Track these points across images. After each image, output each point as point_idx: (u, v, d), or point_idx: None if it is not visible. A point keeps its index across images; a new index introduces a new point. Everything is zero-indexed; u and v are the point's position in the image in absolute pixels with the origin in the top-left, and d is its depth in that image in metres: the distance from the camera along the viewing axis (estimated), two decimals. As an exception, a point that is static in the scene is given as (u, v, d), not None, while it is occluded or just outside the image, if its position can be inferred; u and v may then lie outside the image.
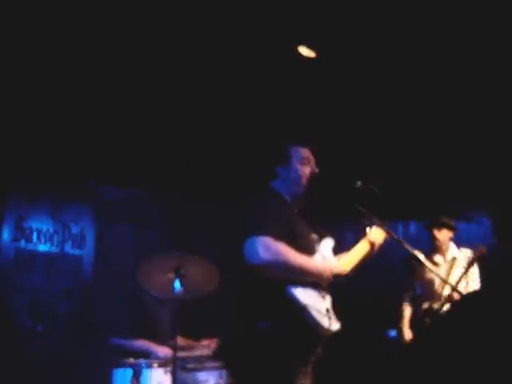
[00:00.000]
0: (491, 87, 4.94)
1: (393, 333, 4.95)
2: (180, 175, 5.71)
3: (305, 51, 4.52)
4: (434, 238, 4.81)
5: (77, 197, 5.56)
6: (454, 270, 4.59)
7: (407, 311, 4.81)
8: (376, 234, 3.43)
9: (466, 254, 4.70)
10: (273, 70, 4.77)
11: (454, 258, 4.71)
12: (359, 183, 3.15)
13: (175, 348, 3.74)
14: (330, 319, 2.85)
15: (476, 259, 4.47)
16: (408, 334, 4.68)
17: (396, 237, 3.11)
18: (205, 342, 4.38)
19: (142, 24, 4.23)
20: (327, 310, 2.87)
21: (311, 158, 3.17)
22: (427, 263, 3.13)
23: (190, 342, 4.38)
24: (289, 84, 4.95)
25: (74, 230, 5.48)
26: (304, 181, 3.10)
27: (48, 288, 5.21)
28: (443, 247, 4.79)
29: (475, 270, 4.66)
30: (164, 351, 4.09)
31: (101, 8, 4.02)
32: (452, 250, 4.82)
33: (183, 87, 4.94)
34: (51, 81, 4.68)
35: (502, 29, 4.17)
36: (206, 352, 4.24)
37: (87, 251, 5.55)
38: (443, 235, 4.79)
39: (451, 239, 4.84)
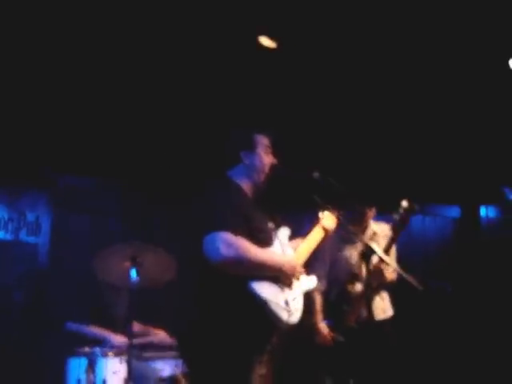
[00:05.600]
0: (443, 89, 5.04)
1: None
2: (140, 163, 5.66)
3: (265, 41, 4.54)
4: (362, 216, 4.54)
5: (34, 184, 5.48)
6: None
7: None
8: (328, 219, 3.46)
9: (382, 228, 4.57)
10: (233, 60, 4.77)
11: (374, 233, 4.57)
12: (316, 174, 3.17)
13: (131, 336, 3.74)
14: (288, 312, 2.86)
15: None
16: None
17: (349, 227, 3.14)
18: (159, 332, 4.39)
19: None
20: (286, 303, 2.87)
21: (270, 147, 3.17)
22: (381, 253, 3.14)
23: (145, 328, 4.38)
24: (247, 73, 4.94)
25: (30, 218, 5.41)
26: (266, 169, 3.10)
27: (2, 276, 5.14)
28: (366, 224, 4.66)
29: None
30: (119, 339, 4.07)
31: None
32: (371, 225, 4.55)
33: (140, 72, 4.90)
34: (9, 68, 4.60)
35: (489, 27, 4.24)
36: (161, 340, 4.26)
37: (42, 239, 5.48)
38: (372, 214, 4.65)
39: None
